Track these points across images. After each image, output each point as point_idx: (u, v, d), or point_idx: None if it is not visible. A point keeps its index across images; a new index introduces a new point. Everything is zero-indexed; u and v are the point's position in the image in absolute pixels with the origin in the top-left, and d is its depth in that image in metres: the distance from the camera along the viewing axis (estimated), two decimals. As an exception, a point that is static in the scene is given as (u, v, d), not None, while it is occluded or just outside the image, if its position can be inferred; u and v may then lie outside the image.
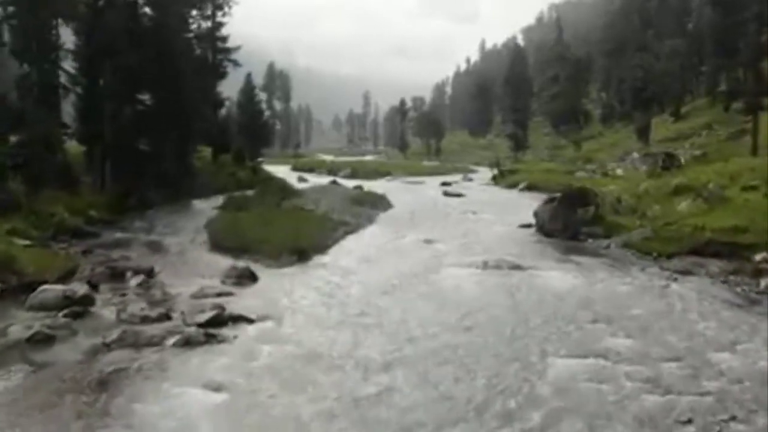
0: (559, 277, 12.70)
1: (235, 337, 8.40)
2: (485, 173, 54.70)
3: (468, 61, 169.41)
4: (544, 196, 32.34)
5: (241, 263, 13.12)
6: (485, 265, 13.74)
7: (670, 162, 23.72)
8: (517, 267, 13.70)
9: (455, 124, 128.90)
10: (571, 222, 18.42)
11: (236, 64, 33.18)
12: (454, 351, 8.12)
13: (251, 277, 12.19)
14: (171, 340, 8.17)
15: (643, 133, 51.06)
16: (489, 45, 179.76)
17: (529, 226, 20.50)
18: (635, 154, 47.25)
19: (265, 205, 22.47)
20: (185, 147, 26.92)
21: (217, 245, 15.62)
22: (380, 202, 26.38)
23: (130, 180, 22.31)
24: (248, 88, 38.42)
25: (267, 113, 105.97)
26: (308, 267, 13.88)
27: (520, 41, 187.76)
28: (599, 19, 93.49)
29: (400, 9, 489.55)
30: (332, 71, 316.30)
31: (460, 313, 9.87)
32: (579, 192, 19.67)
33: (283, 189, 27.91)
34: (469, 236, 18.16)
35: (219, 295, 10.82)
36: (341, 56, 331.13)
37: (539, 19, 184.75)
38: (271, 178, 35.63)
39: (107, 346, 8.08)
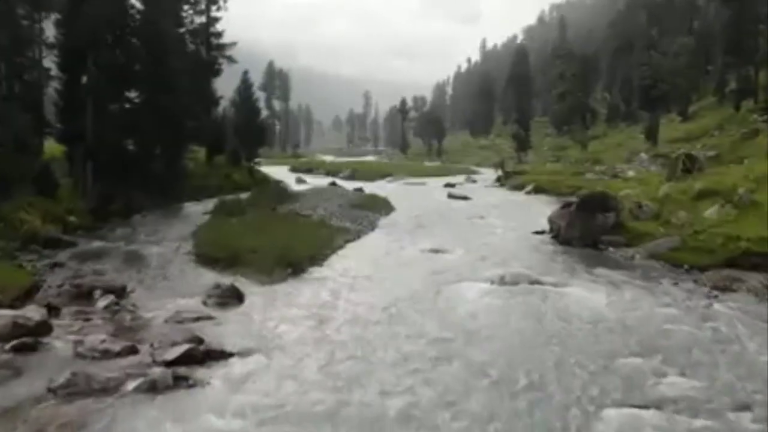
0: (587, 297, 11.22)
1: (209, 382, 6.91)
2: (489, 174, 53.26)
3: (469, 61, 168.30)
4: (552, 199, 31.09)
5: (227, 279, 11.65)
6: (501, 281, 12.28)
7: (691, 164, 22.18)
8: (536, 282, 12.24)
9: (456, 124, 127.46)
10: (590, 229, 16.95)
11: (231, 60, 31.65)
12: (472, 404, 6.59)
13: (237, 297, 10.71)
14: (131, 385, 6.71)
15: (652, 134, 49.59)
16: (490, 45, 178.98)
17: (542, 232, 19.06)
18: (643, 155, 45.77)
19: (259, 210, 21.00)
20: (176, 148, 25.46)
21: (204, 256, 14.14)
22: (382, 206, 24.90)
23: (114, 183, 20.81)
24: (245, 87, 36.88)
25: (266, 113, 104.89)
26: (303, 282, 12.40)
27: (521, 41, 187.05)
28: (601, 18, 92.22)
29: (401, 9, 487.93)
30: (333, 71, 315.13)
31: (478, 348, 8.36)
32: (599, 197, 18.16)
33: (280, 192, 26.43)
34: (479, 244, 16.68)
35: (198, 319, 9.36)
36: (342, 56, 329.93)
37: (540, 19, 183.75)
38: (267, 180, 34.18)
39: (53, 393, 6.60)
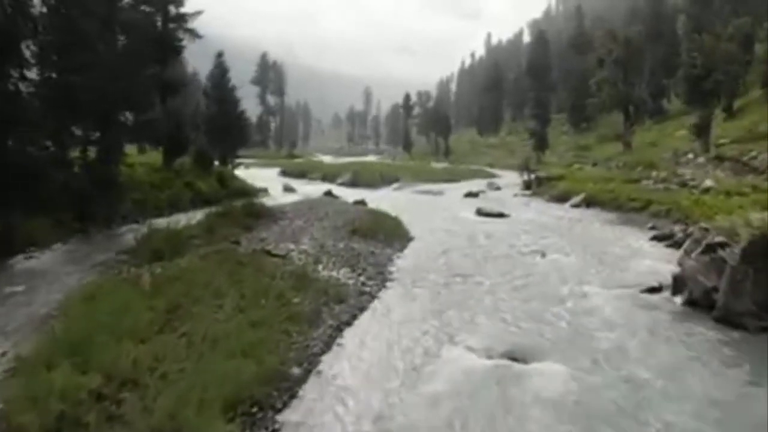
0: None
1: None
2: (509, 177, 46.06)
3: (473, 56, 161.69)
4: (615, 218, 23.28)
5: None
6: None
7: None
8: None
9: (461, 121, 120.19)
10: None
11: (195, 35, 24.31)
12: None
13: None
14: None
15: (703, 132, 42.22)
16: (494, 41, 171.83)
17: (658, 290, 11.85)
18: (701, 159, 38.37)
19: (210, 247, 13.74)
20: (105, 149, 18.20)
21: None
22: (393, 232, 17.65)
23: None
24: (219, 72, 29.65)
25: (260, 109, 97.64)
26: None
27: (527, 36, 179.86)
28: (620, 3, 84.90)
29: (401, 5, 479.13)
30: (332, 68, 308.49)
31: None
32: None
33: (253, 209, 19.14)
34: (572, 330, 9.41)
35: None
36: (341, 53, 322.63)
37: (546, 13, 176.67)
38: (243, 191, 26.89)
39: None
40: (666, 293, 11.77)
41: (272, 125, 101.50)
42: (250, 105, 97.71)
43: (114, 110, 18.40)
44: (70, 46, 16.05)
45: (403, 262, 14.06)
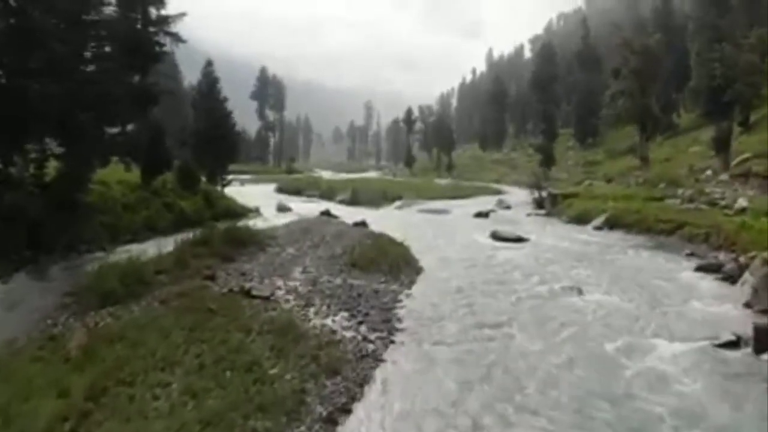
0: None
1: None
2: (517, 194, 43.70)
3: (474, 72, 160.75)
4: (646, 242, 20.40)
5: None
6: None
7: None
8: None
9: (462, 137, 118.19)
10: None
11: (178, 39, 22.04)
12: None
13: None
14: None
15: (722, 146, 39.88)
16: (495, 56, 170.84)
17: (736, 344, 9.36)
18: (722, 174, 35.95)
19: (177, 287, 11.25)
20: (70, 167, 15.81)
21: None
22: (399, 262, 15.14)
23: None
24: (207, 83, 27.37)
25: (259, 123, 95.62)
26: None
27: (528, 51, 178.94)
28: (622, 18, 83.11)
29: (401, 22, 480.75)
30: (332, 83, 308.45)
31: None
32: None
33: (238, 234, 16.66)
34: (645, 417, 6.91)
35: None
36: (342, 69, 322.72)
37: (547, 29, 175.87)
38: (231, 211, 24.49)
39: None
40: (747, 348, 9.31)
41: (271, 140, 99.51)
42: (250, 120, 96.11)
43: (80, 121, 16.01)
44: (23, 46, 13.73)
45: (413, 303, 11.54)
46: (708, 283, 14.38)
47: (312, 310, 10.47)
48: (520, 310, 11.14)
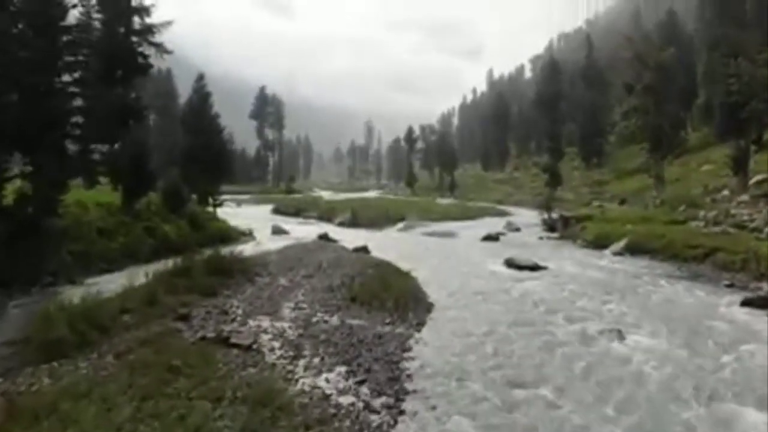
0: None
1: None
2: (524, 215, 41.87)
3: (474, 91, 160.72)
4: (674, 271, 18.62)
5: None
6: None
7: None
8: None
9: (463, 156, 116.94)
10: None
11: (164, 51, 20.34)
12: None
13: None
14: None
15: (741, 166, 38.17)
16: (496, 75, 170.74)
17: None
18: (743, 195, 34.15)
19: (141, 332, 9.35)
20: (35, 188, 14.00)
21: None
22: (405, 298, 13.17)
23: None
24: (198, 98, 25.70)
25: (258, 143, 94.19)
26: None
27: (528, 71, 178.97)
28: (626, 30, 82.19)
29: (402, 43, 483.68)
30: (333, 104, 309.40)
31: None
32: None
33: (223, 263, 14.77)
34: None
35: None
36: (342, 89, 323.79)
37: (548, 49, 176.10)
38: (222, 235, 22.64)
39: None
40: None
41: (271, 160, 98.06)
42: (252, 140, 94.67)
43: (47, 138, 14.25)
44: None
45: (426, 352, 9.59)
46: (762, 321, 12.46)
47: (301, 363, 8.55)
48: (555, 361, 9.19)
